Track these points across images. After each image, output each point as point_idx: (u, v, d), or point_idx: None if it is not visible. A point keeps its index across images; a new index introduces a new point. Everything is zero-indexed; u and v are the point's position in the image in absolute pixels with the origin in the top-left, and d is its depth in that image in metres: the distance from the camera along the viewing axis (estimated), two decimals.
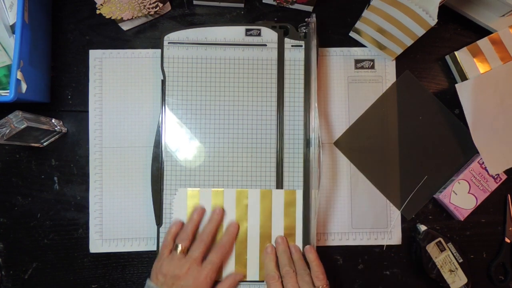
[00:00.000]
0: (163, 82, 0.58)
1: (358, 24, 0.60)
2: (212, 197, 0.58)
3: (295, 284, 0.52)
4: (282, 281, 0.54)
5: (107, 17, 0.56)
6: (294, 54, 0.59)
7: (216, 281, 0.55)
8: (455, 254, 0.60)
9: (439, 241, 0.60)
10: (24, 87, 0.52)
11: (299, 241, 0.58)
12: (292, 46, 0.59)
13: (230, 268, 0.57)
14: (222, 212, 0.57)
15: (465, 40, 0.64)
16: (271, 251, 0.57)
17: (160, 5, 0.59)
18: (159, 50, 0.59)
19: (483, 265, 0.63)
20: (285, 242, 0.57)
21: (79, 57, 0.62)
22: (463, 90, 0.61)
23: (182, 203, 0.57)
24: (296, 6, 0.63)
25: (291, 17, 0.64)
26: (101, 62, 0.62)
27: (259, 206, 0.58)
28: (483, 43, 0.61)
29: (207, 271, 0.53)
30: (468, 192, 0.61)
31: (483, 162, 0.61)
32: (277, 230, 0.58)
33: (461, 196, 0.61)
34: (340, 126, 0.63)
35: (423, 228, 0.61)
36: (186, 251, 0.54)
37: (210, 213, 0.57)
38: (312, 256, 0.55)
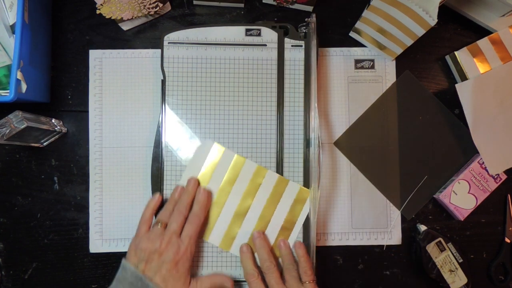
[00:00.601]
0: (163, 82, 0.59)
1: (358, 24, 0.60)
2: (232, 162, 0.58)
3: (278, 279, 0.52)
4: (263, 278, 0.53)
5: (107, 17, 0.56)
6: (294, 54, 0.59)
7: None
8: (455, 254, 0.60)
9: (439, 241, 0.60)
10: (24, 87, 0.52)
11: (293, 238, 0.57)
12: (292, 46, 0.59)
13: (218, 237, 0.57)
14: (197, 183, 0.56)
15: (465, 40, 0.64)
16: (246, 250, 0.55)
17: (160, 5, 0.59)
18: (159, 50, 0.59)
19: (483, 265, 0.63)
20: (262, 236, 0.56)
21: (79, 57, 0.62)
22: (463, 90, 0.61)
23: (201, 156, 0.57)
24: (296, 6, 0.63)
25: (291, 17, 0.64)
26: (101, 62, 0.62)
27: (271, 190, 0.58)
28: (483, 43, 0.61)
29: (187, 244, 0.51)
30: (468, 192, 0.61)
31: (483, 162, 0.61)
32: (278, 218, 0.57)
33: (461, 196, 0.61)
34: (340, 126, 0.63)
35: (423, 228, 0.61)
36: (166, 227, 0.53)
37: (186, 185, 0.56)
38: (301, 252, 0.55)
